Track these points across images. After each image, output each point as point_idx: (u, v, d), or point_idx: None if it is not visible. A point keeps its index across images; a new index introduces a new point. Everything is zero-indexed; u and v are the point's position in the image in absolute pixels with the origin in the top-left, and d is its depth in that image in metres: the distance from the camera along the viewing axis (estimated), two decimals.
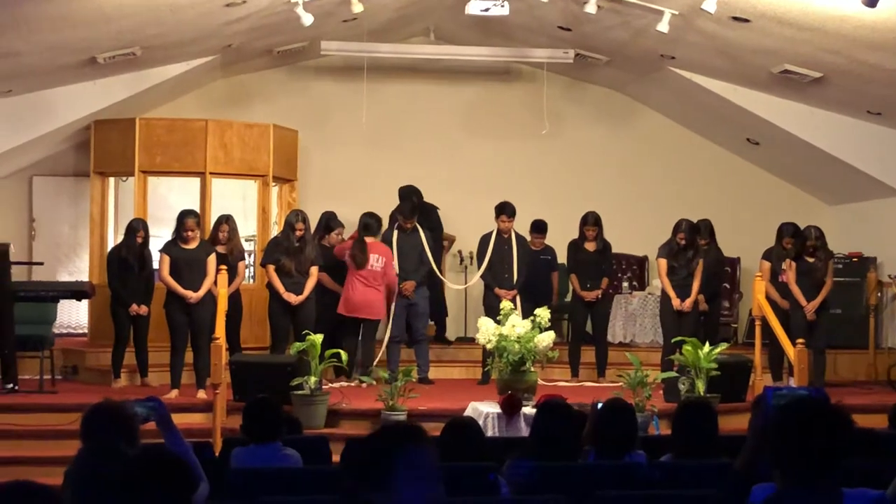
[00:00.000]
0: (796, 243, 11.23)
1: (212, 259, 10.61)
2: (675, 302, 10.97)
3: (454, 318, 13.63)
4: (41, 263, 12.91)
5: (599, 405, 5.86)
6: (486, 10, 10.89)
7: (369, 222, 11.49)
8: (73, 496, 4.34)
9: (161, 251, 10.73)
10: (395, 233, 11.83)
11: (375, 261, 11.21)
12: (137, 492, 3.37)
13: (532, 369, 9.46)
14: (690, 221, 11.24)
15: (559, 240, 12.37)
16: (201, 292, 10.45)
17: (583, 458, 5.52)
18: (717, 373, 9.46)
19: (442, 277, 12.49)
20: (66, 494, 4.42)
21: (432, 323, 12.87)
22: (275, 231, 12.51)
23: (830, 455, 3.23)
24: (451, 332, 13.48)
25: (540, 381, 9.94)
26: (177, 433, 4.74)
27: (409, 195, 12.68)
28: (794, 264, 11.11)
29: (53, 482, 4.46)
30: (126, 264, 10.98)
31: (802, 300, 10.98)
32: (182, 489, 3.43)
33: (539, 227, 12.44)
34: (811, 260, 11.08)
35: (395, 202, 12.18)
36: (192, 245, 10.64)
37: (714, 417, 5.63)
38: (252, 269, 13.13)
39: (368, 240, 11.32)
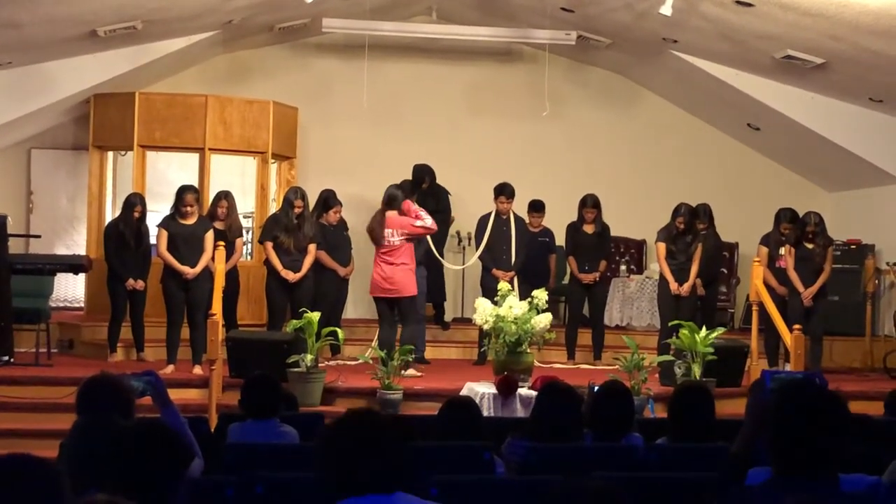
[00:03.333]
0: (796, 229, 11.23)
1: (209, 235, 10.61)
2: (674, 286, 10.97)
3: (451, 297, 13.63)
4: (38, 236, 12.91)
5: (596, 388, 5.86)
6: None
7: (394, 194, 10.88)
8: (68, 469, 4.33)
9: (159, 226, 10.72)
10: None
11: (390, 235, 10.67)
12: (130, 464, 3.37)
13: (528, 351, 9.47)
14: (690, 206, 11.24)
15: (558, 222, 12.35)
16: (198, 268, 10.45)
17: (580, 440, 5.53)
18: (714, 357, 9.47)
19: (442, 260, 12.45)
20: (62, 467, 4.42)
21: (429, 304, 12.87)
22: (273, 208, 12.49)
23: (827, 441, 3.22)
24: (448, 314, 13.47)
25: (536, 363, 9.95)
26: (172, 408, 4.74)
27: (422, 175, 12.63)
28: (792, 250, 11.11)
29: (49, 455, 4.46)
30: (123, 239, 10.95)
31: (800, 286, 10.98)
32: (175, 462, 3.43)
33: (536, 207, 12.40)
34: (810, 246, 11.07)
35: (394, 182, 12.13)
36: (191, 221, 10.63)
37: (711, 402, 5.64)
38: (250, 245, 13.12)
39: (389, 214, 10.74)
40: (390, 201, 10.78)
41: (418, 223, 10.64)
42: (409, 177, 12.29)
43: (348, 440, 3.08)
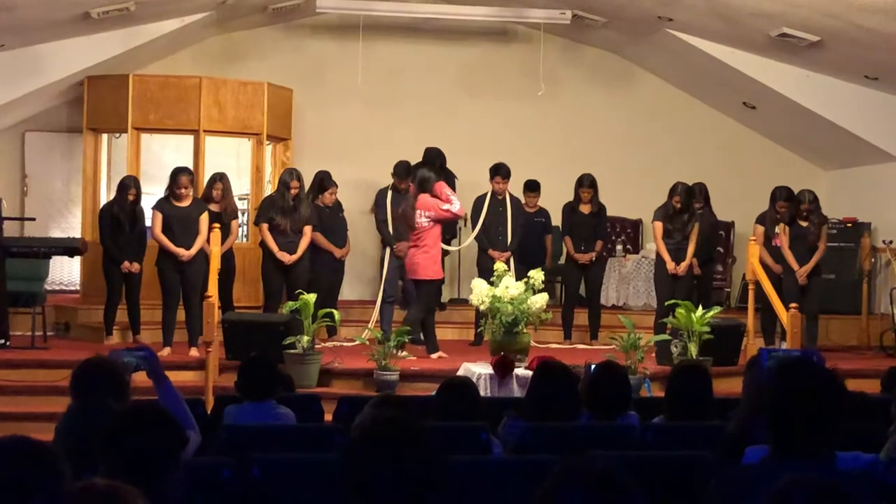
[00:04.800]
0: (790, 207, 11.23)
1: (204, 217, 10.59)
2: (670, 265, 10.95)
3: (447, 278, 13.59)
4: (33, 219, 12.86)
5: (593, 367, 5.86)
6: None
7: (426, 176, 10.70)
8: (62, 452, 4.32)
9: (153, 208, 10.70)
10: (390, 193, 11.80)
11: (419, 217, 10.51)
12: (124, 448, 3.36)
13: (525, 331, 9.46)
14: (686, 185, 11.21)
15: (554, 202, 12.33)
16: (193, 250, 10.42)
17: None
18: (710, 336, 9.47)
19: (444, 246, 12.40)
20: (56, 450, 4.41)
21: None
22: (268, 190, 12.47)
23: (824, 419, 3.22)
24: (444, 295, 13.45)
25: (532, 343, 9.94)
26: (167, 383, 4.73)
27: (434, 158, 12.58)
28: (787, 228, 11.11)
29: (44, 438, 4.45)
30: (118, 222, 10.93)
31: (794, 264, 10.98)
32: (169, 445, 3.41)
33: (532, 186, 12.38)
34: (805, 224, 11.08)
35: (390, 163, 12.11)
36: (185, 203, 10.61)
37: (709, 381, 5.63)
38: (245, 227, 13.10)
39: (421, 196, 10.57)
40: (422, 184, 10.61)
41: (445, 206, 10.46)
42: (405, 158, 12.23)
43: (376, 458, 2.81)
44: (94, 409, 4.38)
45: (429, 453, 2.82)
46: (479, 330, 11.12)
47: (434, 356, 10.49)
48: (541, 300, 9.40)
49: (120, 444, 3.36)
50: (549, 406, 5.34)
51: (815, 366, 3.38)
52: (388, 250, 11.73)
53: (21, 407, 9.04)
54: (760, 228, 11.48)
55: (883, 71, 11.79)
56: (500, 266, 9.91)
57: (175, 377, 9.18)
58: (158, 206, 10.64)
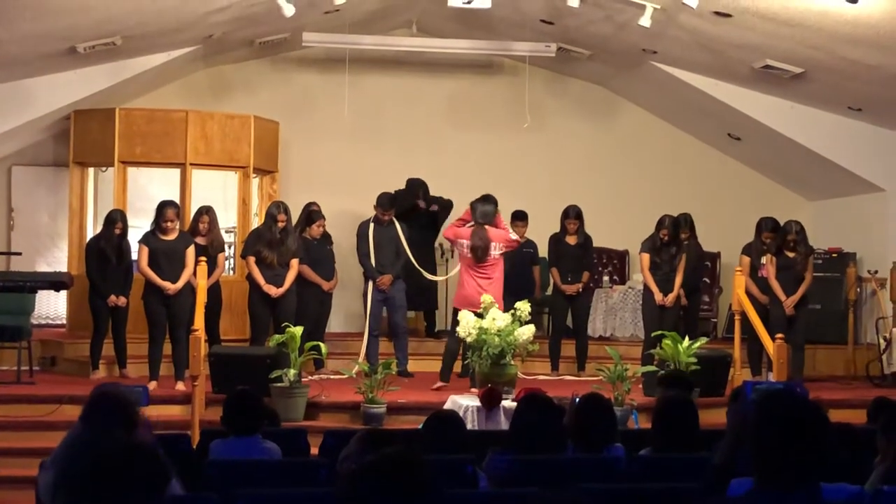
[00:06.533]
0: (777, 238, 11.27)
1: (191, 250, 10.58)
2: (658, 297, 10.97)
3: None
4: (19, 254, 12.84)
5: (577, 399, 5.86)
6: (469, 2, 10.83)
7: (490, 210, 10.73)
8: (59, 480, 4.28)
9: (140, 242, 10.68)
10: (372, 225, 11.76)
11: (493, 249, 10.61)
12: (104, 483, 3.33)
13: (512, 363, 9.44)
14: (673, 217, 11.25)
15: (540, 233, 12.37)
16: (180, 283, 10.41)
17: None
18: (697, 367, 9.48)
19: (424, 272, 12.38)
20: (49, 476, 4.37)
21: (412, 315, 12.85)
22: (255, 223, 12.47)
23: (807, 451, 3.23)
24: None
25: (520, 375, 9.93)
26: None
27: (416, 189, 12.64)
28: (773, 259, 11.15)
29: (30, 473, 4.44)
30: (104, 255, 10.91)
31: (781, 295, 11.02)
32: (151, 480, 3.38)
33: (520, 216, 12.41)
34: (791, 255, 11.12)
35: (375, 194, 12.12)
36: (172, 236, 10.60)
37: (695, 412, 5.63)
38: (232, 260, 13.09)
39: (489, 228, 10.64)
40: (487, 216, 10.66)
41: (513, 236, 10.82)
42: (392, 190, 12.24)
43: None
44: (104, 439, 4.33)
45: (430, 488, 2.83)
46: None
47: (436, 386, 10.61)
48: (527, 332, 9.40)
49: (100, 480, 3.33)
50: (533, 438, 5.33)
51: (797, 397, 3.39)
52: (370, 284, 11.68)
53: (7, 442, 8.97)
54: (746, 259, 11.52)
55: (866, 102, 11.88)
56: (486, 298, 9.91)
57: (161, 411, 9.25)
58: (144, 240, 10.63)
